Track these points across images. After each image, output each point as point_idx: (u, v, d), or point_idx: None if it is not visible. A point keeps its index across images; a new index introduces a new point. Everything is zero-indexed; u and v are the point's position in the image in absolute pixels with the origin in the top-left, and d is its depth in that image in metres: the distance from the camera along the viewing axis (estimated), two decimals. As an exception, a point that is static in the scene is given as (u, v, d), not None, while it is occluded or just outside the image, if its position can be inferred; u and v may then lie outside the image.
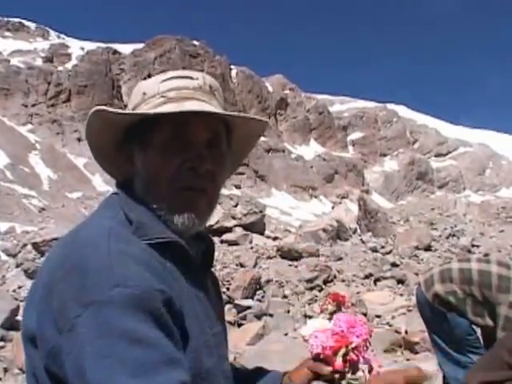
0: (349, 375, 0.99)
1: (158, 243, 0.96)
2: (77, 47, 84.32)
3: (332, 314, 1.07)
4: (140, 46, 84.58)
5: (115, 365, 0.78)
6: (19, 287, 12.12)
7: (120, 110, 1.03)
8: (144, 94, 1.06)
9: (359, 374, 0.99)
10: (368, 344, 1.01)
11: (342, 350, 0.98)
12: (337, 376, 1.00)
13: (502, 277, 2.86)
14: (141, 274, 0.87)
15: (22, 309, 0.97)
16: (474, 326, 3.07)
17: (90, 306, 0.82)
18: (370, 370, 1.00)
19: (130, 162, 1.07)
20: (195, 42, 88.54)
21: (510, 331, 2.70)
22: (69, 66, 75.22)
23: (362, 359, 0.97)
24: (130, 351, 0.79)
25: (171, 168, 1.01)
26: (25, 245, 16.14)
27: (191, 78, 1.07)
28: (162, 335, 0.84)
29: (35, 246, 14.60)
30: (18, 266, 14.17)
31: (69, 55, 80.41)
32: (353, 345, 0.98)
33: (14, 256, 15.67)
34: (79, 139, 65.51)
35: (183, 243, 1.00)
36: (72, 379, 0.82)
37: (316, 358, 1.02)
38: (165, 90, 1.04)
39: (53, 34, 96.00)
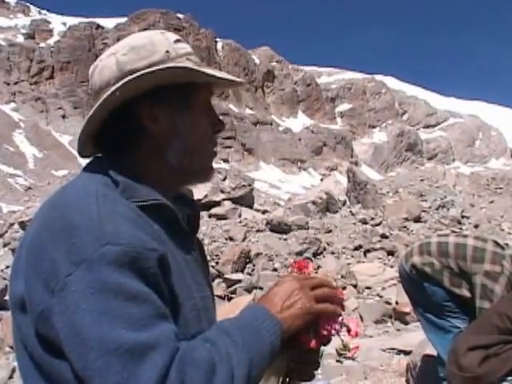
0: (323, 347, 0.96)
1: (145, 205, 0.95)
2: (58, 23, 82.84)
3: None
4: (123, 20, 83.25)
5: (113, 320, 0.79)
6: (7, 267, 12.02)
7: (204, 69, 1.04)
8: (167, 52, 1.03)
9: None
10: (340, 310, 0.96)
11: (311, 328, 0.93)
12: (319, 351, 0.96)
13: (476, 248, 2.99)
14: (132, 232, 0.87)
15: (10, 275, 0.98)
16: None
17: (82, 263, 0.82)
18: (349, 331, 0.97)
19: (154, 121, 1.03)
20: (180, 16, 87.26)
21: (488, 299, 2.81)
22: (51, 42, 73.97)
23: (333, 331, 0.93)
24: (127, 307, 0.80)
25: (209, 130, 1.09)
26: (11, 224, 16.03)
27: (183, 41, 1.09)
28: (152, 291, 0.84)
29: (22, 225, 14.48)
30: (5, 245, 14.09)
31: (51, 31, 79.01)
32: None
33: (1, 236, 15.56)
34: (64, 116, 64.75)
35: (171, 205, 0.99)
36: (66, 339, 0.80)
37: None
38: (184, 53, 1.05)
39: (33, 9, 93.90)
